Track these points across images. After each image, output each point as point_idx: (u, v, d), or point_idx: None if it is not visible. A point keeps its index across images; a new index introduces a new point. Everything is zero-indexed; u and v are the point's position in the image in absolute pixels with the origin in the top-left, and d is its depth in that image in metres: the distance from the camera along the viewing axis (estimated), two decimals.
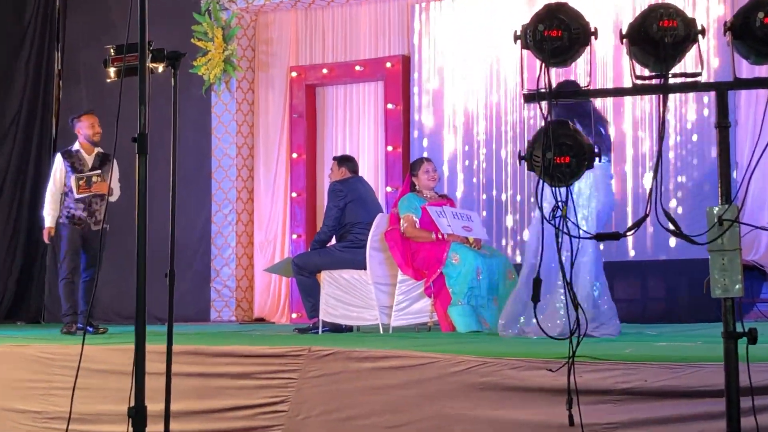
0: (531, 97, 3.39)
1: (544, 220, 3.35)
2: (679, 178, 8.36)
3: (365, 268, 7.05)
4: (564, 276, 3.48)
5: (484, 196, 9.11)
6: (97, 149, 7.75)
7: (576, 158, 3.32)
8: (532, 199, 8.51)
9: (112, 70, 3.95)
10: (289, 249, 9.99)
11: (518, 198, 8.97)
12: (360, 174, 7.86)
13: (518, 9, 8.89)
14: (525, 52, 3.32)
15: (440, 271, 6.85)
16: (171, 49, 4.00)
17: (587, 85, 3.69)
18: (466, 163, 9.21)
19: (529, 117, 8.81)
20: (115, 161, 7.73)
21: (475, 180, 9.18)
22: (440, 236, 7.02)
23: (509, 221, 8.99)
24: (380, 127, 9.81)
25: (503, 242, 8.96)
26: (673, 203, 8.28)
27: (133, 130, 3.39)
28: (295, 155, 10.10)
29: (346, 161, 7.74)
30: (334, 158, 7.90)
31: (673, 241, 8.27)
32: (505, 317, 6.06)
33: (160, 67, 3.93)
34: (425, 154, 9.09)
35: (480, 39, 9.19)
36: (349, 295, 7.18)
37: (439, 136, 9.37)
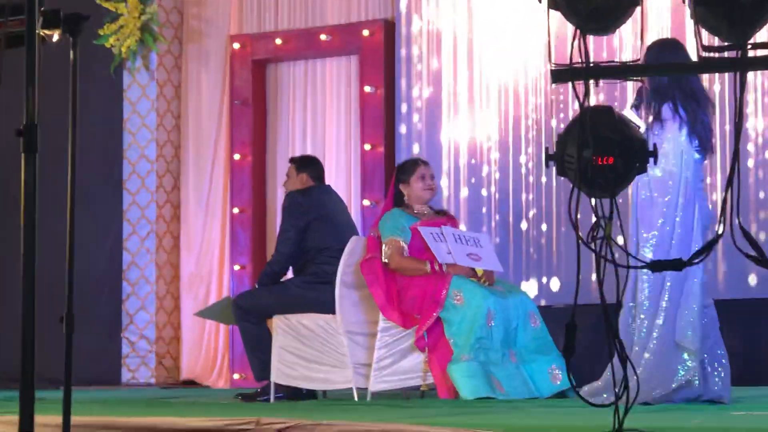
0: (561, 75, 3.41)
1: (581, 244, 3.37)
2: (761, 194, 8.39)
3: (334, 312, 7.04)
4: (609, 320, 3.49)
5: (497, 217, 9.13)
6: None
7: (623, 158, 3.34)
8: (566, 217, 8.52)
9: None
10: (229, 285, 10.00)
11: (543, 216, 8.98)
12: (327, 182, 7.87)
13: None
14: (553, 14, 3.35)
15: (437, 316, 6.85)
16: (69, 11, 4.00)
17: (636, 60, 3.72)
18: (473, 171, 9.23)
19: (558, 104, 8.84)
20: None
21: (484, 193, 9.19)
22: (437, 267, 7.03)
23: (531, 248, 8.99)
24: (354, 119, 9.87)
25: (523, 276, 8.96)
26: (753, 227, 8.28)
27: (15, 120, 3.38)
28: (237, 156, 10.12)
29: (308, 165, 7.74)
30: (292, 160, 7.90)
31: (753, 278, 8.28)
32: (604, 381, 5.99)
33: (55, 35, 3.92)
34: (402, 155, 9.15)
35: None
36: (312, 348, 7.18)
37: (435, 132, 9.39)
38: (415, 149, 9.41)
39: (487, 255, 7.24)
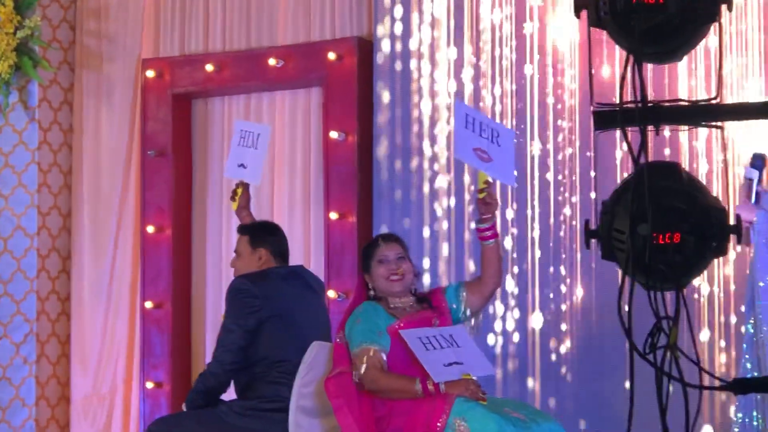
0: (608, 119, 3.42)
1: (635, 356, 3.36)
2: None
3: None
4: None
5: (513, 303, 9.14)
6: None
7: (695, 236, 3.34)
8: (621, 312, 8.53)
9: None
10: (139, 410, 9.95)
11: (577, 310, 9.01)
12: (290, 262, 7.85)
13: None
14: (596, 34, 3.37)
15: None
16: None
17: (713, 99, 3.74)
18: (475, 248, 9.25)
19: (597, 159, 8.87)
20: None
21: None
22: (431, 387, 7.01)
23: (560, 348, 9.01)
24: (315, 176, 9.92)
25: (548, 388, 8.97)
26: None
27: None
28: (151, 229, 10.13)
29: (267, 235, 7.68)
30: (242, 229, 7.80)
31: None
32: None
33: None
34: (384, 229, 9.18)
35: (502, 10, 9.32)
36: None
37: (418, 194, 9.43)
38: (403, 221, 9.42)
39: (469, 354, 7.19)
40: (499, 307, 9.23)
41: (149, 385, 9.98)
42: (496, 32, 9.38)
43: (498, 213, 7.43)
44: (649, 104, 3.39)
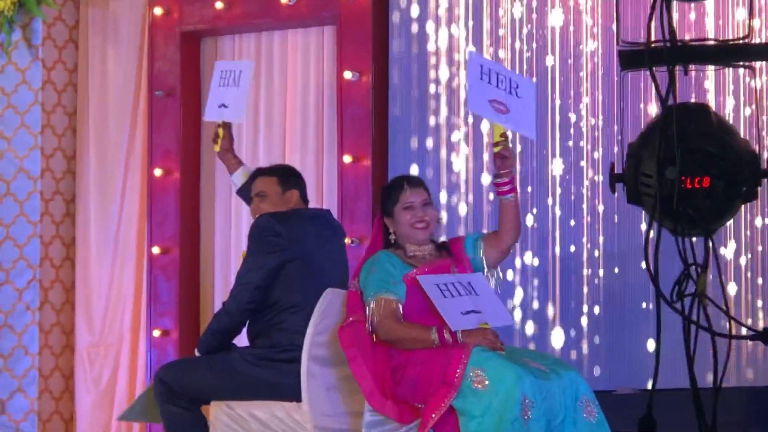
0: (634, 59, 3.43)
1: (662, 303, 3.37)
2: None
3: (298, 399, 7.06)
4: (699, 411, 3.50)
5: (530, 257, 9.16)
6: None
7: (724, 180, 3.34)
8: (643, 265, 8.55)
9: None
10: (146, 359, 10.01)
11: (601, 256, 9.03)
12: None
13: None
14: None
15: (449, 405, 6.85)
16: None
17: (745, 38, 3.75)
18: (487, 188, 9.27)
19: (620, 101, 8.86)
20: None
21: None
22: (448, 336, 7.02)
23: (581, 299, 9.03)
24: (329, 117, 9.93)
25: (566, 339, 9.00)
26: None
27: None
28: (158, 172, 10.13)
29: (295, 176, 7.66)
30: (268, 172, 7.74)
31: None
32: None
33: None
34: (412, 170, 9.15)
35: None
36: None
37: (435, 139, 9.45)
38: (414, 166, 9.43)
39: (488, 303, 7.20)
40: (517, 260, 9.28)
41: (156, 333, 10.00)
42: None
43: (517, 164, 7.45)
44: (678, 43, 3.39)
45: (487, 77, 6.97)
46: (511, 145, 7.06)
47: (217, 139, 7.90)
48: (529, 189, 9.23)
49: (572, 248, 9.13)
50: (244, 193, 7.89)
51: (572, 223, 9.15)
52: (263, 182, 7.61)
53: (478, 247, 7.24)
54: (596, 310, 9.03)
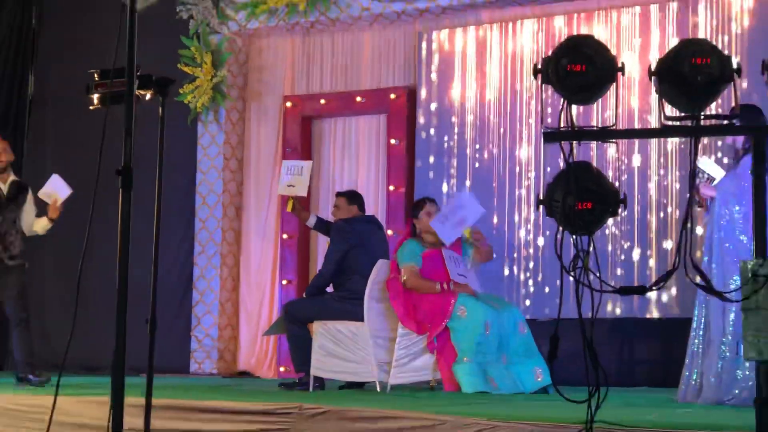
0: (551, 136, 3.43)
1: (564, 272, 3.37)
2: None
3: (363, 320, 7.04)
4: (584, 333, 3.49)
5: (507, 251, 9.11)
6: (12, 177, 7.70)
7: (600, 205, 3.36)
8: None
9: (95, 97, 3.98)
10: (278, 295, 9.99)
11: (536, 249, 8.97)
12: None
13: (536, 38, 8.96)
14: (546, 87, 3.36)
15: (445, 325, 6.85)
16: (159, 76, 4.03)
17: (612, 126, 3.73)
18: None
19: (546, 158, 8.81)
20: (30, 191, 7.69)
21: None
22: (445, 287, 7.02)
23: (528, 274, 8.94)
24: (381, 165, 9.85)
25: (518, 292, 8.93)
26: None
27: (115, 161, 3.41)
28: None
29: (358, 198, 7.74)
30: (342, 194, 7.83)
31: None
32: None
33: (148, 95, 3.96)
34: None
35: (494, 71, 9.20)
36: (344, 349, 7.17)
37: (440, 177, 9.39)
38: (429, 189, 9.40)
39: (469, 272, 7.22)
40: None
41: (284, 282, 9.97)
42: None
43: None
44: (575, 128, 3.39)
45: (444, 217, 7.03)
46: (479, 231, 7.25)
47: (288, 205, 7.77)
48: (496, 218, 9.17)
49: (522, 233, 9.06)
50: (317, 228, 7.96)
51: (522, 231, 9.08)
52: (338, 200, 7.70)
53: (468, 253, 7.29)
54: (539, 277, 8.96)
